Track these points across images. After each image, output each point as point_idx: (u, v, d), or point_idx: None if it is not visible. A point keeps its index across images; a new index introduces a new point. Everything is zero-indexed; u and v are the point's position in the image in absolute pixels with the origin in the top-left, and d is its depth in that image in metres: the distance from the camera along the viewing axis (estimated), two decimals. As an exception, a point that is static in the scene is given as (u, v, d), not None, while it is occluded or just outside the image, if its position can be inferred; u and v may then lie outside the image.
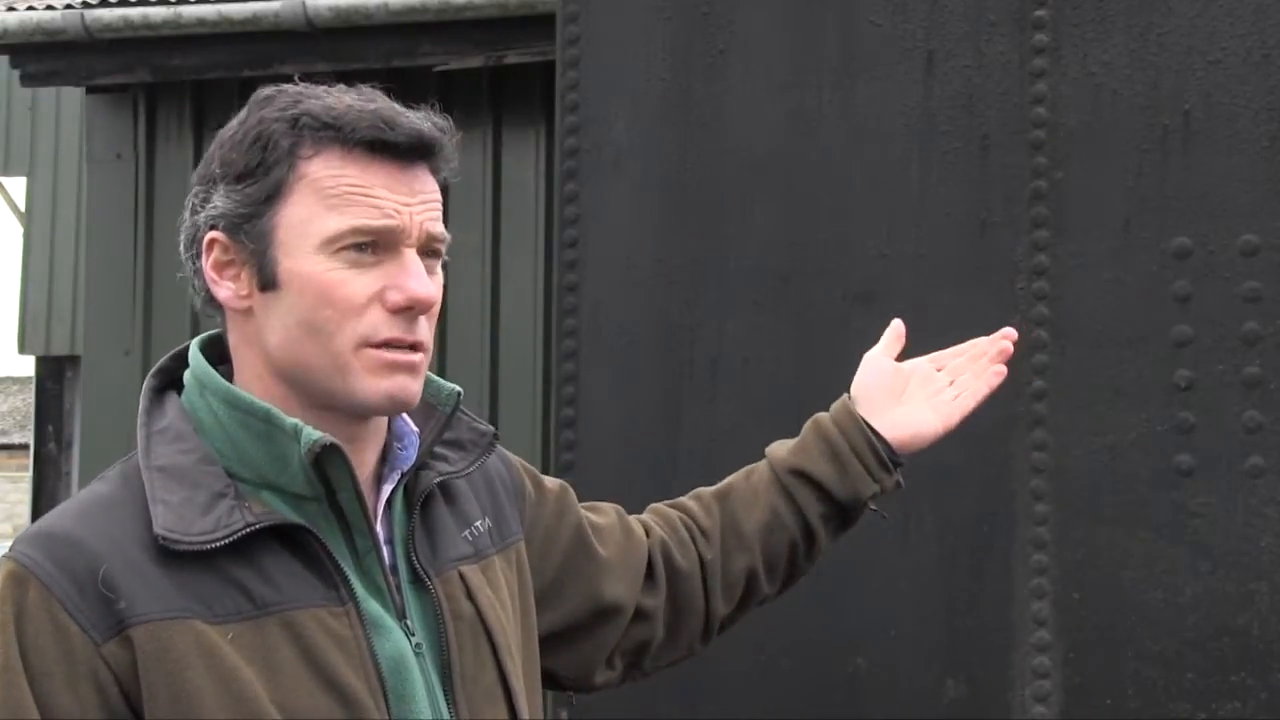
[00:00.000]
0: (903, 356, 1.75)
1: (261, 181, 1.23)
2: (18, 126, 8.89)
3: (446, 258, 1.30)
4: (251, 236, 1.24)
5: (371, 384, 1.23)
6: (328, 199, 1.22)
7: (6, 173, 9.27)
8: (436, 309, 1.27)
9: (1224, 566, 2.20)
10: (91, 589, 1.15)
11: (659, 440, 2.45)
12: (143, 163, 6.06)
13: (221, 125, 1.29)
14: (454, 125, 1.30)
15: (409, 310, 1.24)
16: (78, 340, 7.88)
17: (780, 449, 1.70)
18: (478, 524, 1.40)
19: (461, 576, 1.33)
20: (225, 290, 1.26)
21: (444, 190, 1.30)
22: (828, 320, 2.37)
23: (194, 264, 1.28)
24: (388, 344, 1.24)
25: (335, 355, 1.23)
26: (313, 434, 1.21)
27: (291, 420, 1.22)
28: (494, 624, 1.33)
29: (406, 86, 1.57)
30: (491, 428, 1.42)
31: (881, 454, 1.66)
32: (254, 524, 1.19)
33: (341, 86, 1.29)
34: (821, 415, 1.70)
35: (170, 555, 1.17)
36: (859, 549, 2.18)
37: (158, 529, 1.17)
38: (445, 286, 1.32)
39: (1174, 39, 2.26)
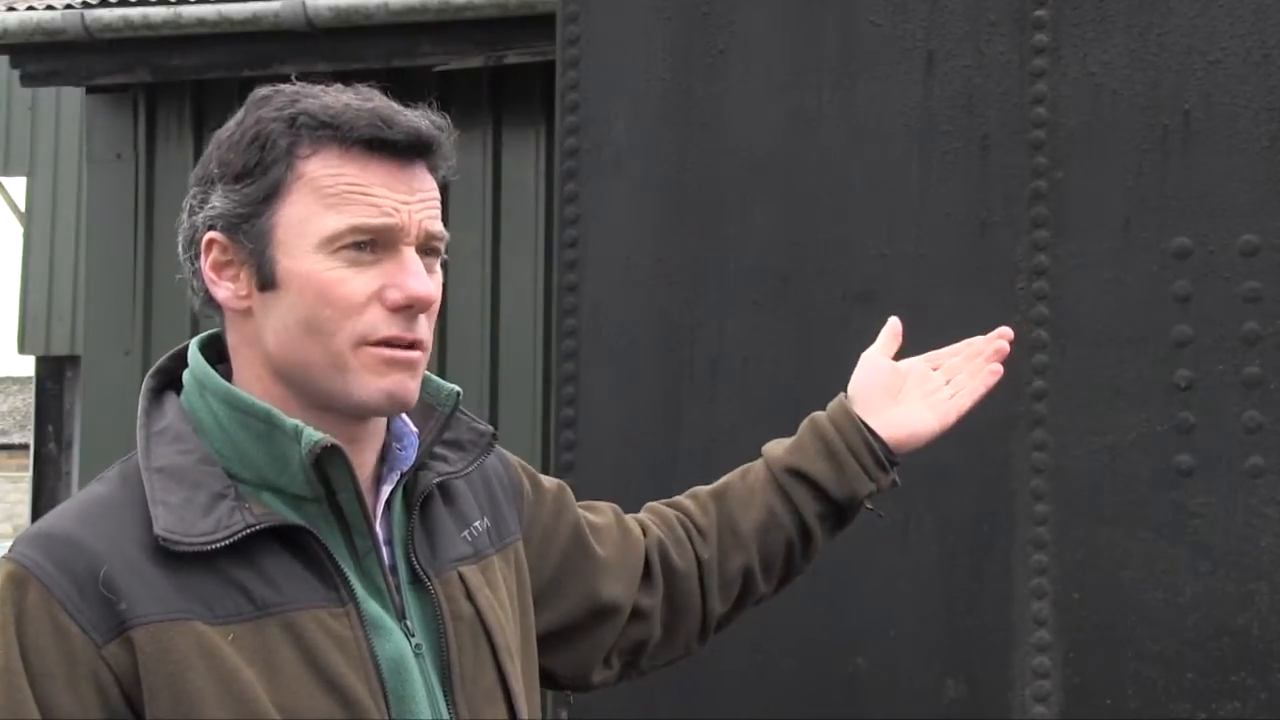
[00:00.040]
0: (902, 356, 1.75)
1: (259, 181, 1.23)
2: (18, 126, 8.89)
3: (445, 256, 1.30)
4: (250, 236, 1.24)
5: (370, 382, 1.23)
6: (326, 198, 1.22)
7: (6, 173, 9.27)
8: (436, 307, 1.27)
9: (1224, 566, 2.20)
10: (92, 590, 1.14)
11: (659, 440, 2.45)
12: (143, 163, 6.06)
13: (221, 125, 1.29)
14: (454, 125, 1.30)
15: (408, 309, 1.24)
16: (78, 340, 7.88)
17: (777, 448, 1.70)
18: (476, 524, 1.39)
19: (461, 577, 1.33)
20: (224, 290, 1.26)
21: (443, 189, 1.30)
22: (828, 320, 2.37)
23: (192, 265, 1.28)
24: (386, 342, 1.23)
25: (334, 354, 1.23)
26: (314, 435, 1.21)
27: (292, 421, 1.22)
28: (493, 625, 1.33)
29: (406, 86, 1.57)
30: (490, 428, 1.42)
31: (878, 453, 1.66)
32: (254, 525, 1.19)
33: (339, 86, 1.28)
34: (818, 414, 1.70)
35: (170, 556, 1.17)
36: (859, 549, 2.18)
37: (158, 530, 1.17)
38: (445, 286, 1.32)
39: (1174, 39, 2.25)
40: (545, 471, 1.66)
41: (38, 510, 8.30)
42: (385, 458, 1.32)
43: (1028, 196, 2.31)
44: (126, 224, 6.02)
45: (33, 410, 8.73)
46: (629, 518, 1.66)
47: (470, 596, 1.32)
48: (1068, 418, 2.26)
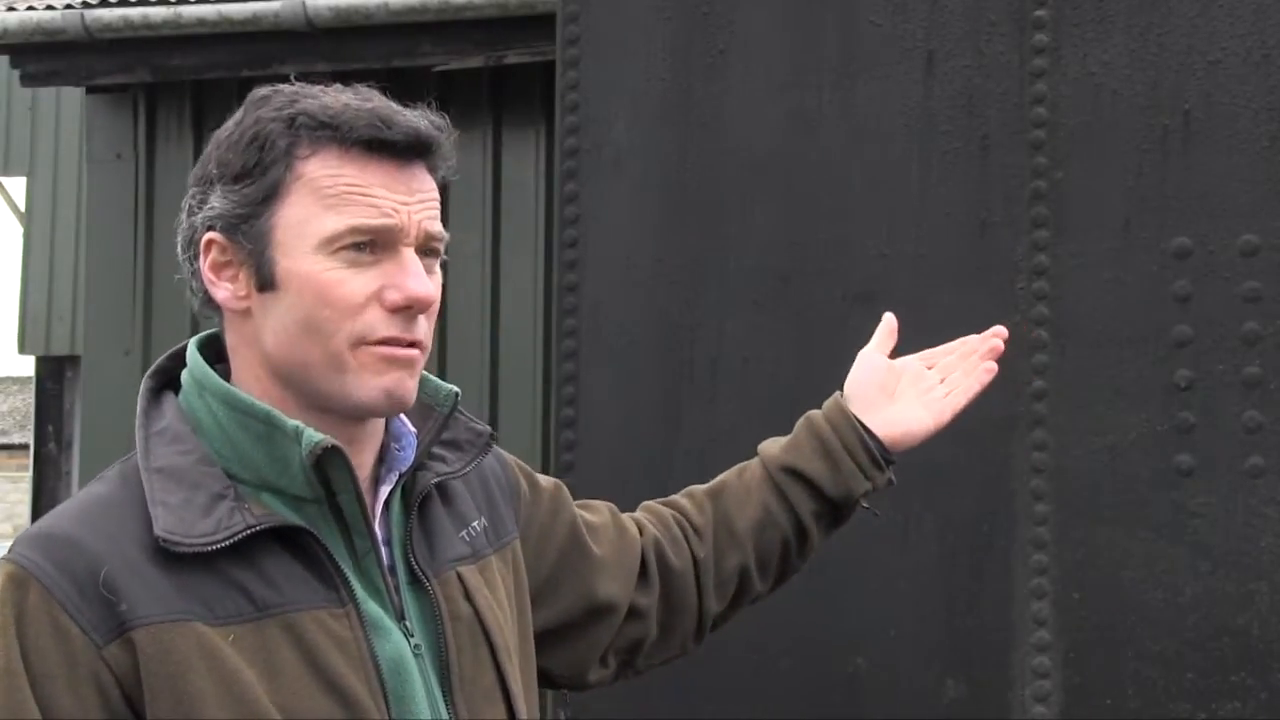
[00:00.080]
0: (901, 355, 1.75)
1: (259, 182, 1.23)
2: (18, 126, 8.90)
3: (445, 257, 1.30)
4: (249, 237, 1.24)
5: (369, 381, 1.23)
6: (325, 199, 1.22)
7: (6, 173, 9.28)
8: (435, 308, 1.27)
9: (1224, 566, 2.19)
10: (92, 591, 1.14)
11: (659, 440, 2.45)
12: (143, 163, 6.06)
13: (221, 125, 1.29)
14: (454, 125, 1.29)
15: (408, 309, 1.23)
16: (78, 340, 7.88)
17: (773, 446, 1.70)
18: (474, 524, 1.40)
19: (459, 577, 1.33)
20: (223, 291, 1.26)
21: (442, 189, 1.30)
22: (828, 320, 2.37)
23: (191, 265, 1.28)
24: (385, 343, 1.23)
25: (333, 354, 1.23)
26: (314, 436, 1.21)
27: (293, 422, 1.22)
28: (492, 625, 1.33)
29: (406, 86, 1.57)
30: (488, 428, 1.42)
31: (874, 451, 1.66)
32: (255, 526, 1.19)
33: (338, 86, 1.28)
34: (814, 413, 1.70)
35: (170, 557, 1.17)
36: (859, 549, 2.18)
37: (159, 531, 1.17)
38: (445, 286, 1.32)
39: (1174, 39, 2.25)
40: (545, 471, 1.66)
41: (38, 510, 8.30)
42: (383, 458, 1.31)
43: (1028, 196, 2.30)
44: (126, 224, 6.02)
45: (33, 410, 8.73)
46: (625, 517, 1.66)
47: (469, 597, 1.32)
48: (1068, 418, 2.26)
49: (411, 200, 1.24)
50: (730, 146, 2.45)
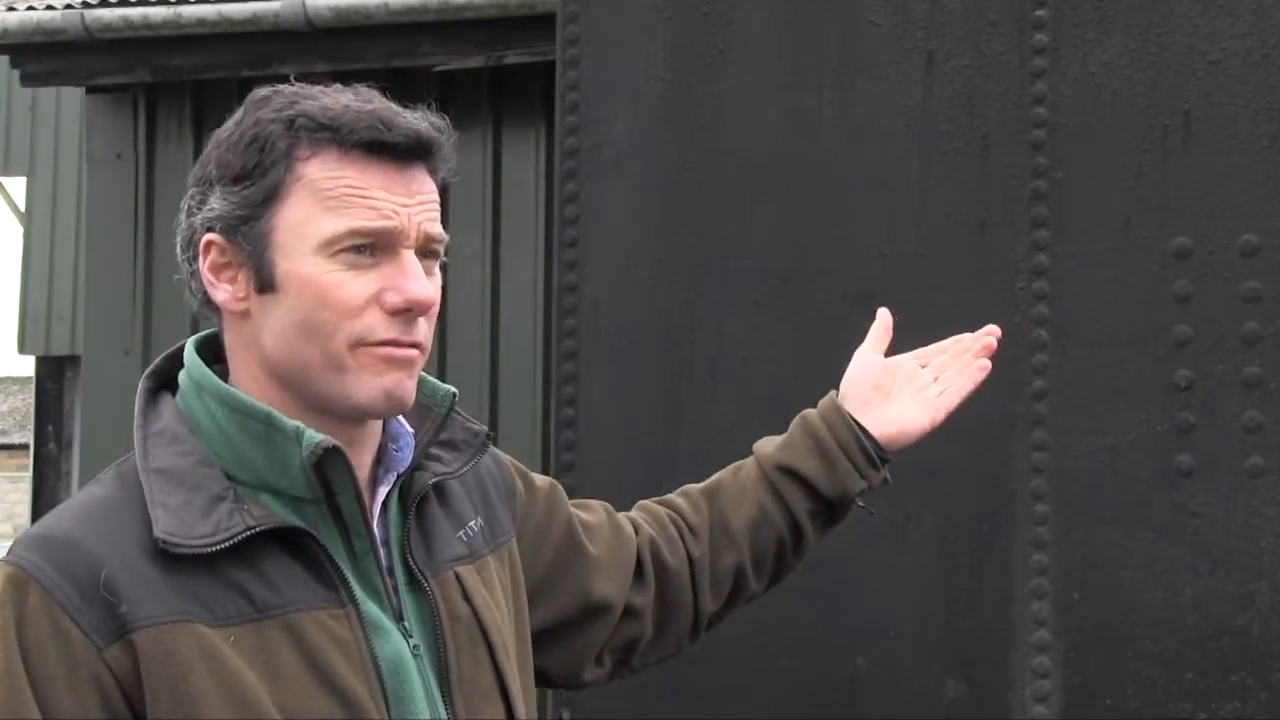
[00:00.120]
0: (897, 353, 1.75)
1: (258, 183, 1.22)
2: (18, 126, 8.90)
3: (445, 258, 1.30)
4: (249, 238, 1.23)
5: (369, 382, 1.23)
6: (325, 200, 1.22)
7: (6, 173, 9.28)
8: (435, 310, 1.27)
9: (1224, 566, 2.19)
10: (93, 592, 1.14)
11: (659, 440, 2.45)
12: (143, 163, 6.05)
13: (221, 125, 1.28)
14: (453, 125, 1.29)
15: (407, 312, 1.23)
16: (78, 340, 7.88)
17: (768, 446, 1.70)
18: (471, 524, 1.40)
19: (457, 577, 1.33)
20: (222, 292, 1.26)
21: (442, 190, 1.30)
22: (828, 320, 2.37)
23: (191, 266, 1.28)
24: (385, 344, 1.23)
25: (332, 356, 1.22)
26: (315, 436, 1.21)
27: (293, 423, 1.22)
28: (490, 625, 1.33)
29: (406, 86, 1.57)
30: (485, 428, 1.42)
31: (869, 451, 1.66)
32: (254, 527, 1.19)
33: (338, 86, 1.28)
34: (809, 412, 1.70)
35: (170, 558, 1.17)
36: (858, 549, 2.19)
37: (158, 532, 1.17)
38: (445, 287, 1.31)
39: (1174, 39, 2.25)
40: (545, 471, 1.66)
41: (38, 510, 8.30)
42: (381, 459, 1.31)
43: (1028, 196, 2.31)
44: (126, 224, 6.02)
45: (33, 410, 8.73)
46: (621, 516, 1.66)
47: (467, 597, 1.33)
48: (1068, 418, 2.26)
49: (411, 202, 1.24)
50: (730, 146, 2.45)
